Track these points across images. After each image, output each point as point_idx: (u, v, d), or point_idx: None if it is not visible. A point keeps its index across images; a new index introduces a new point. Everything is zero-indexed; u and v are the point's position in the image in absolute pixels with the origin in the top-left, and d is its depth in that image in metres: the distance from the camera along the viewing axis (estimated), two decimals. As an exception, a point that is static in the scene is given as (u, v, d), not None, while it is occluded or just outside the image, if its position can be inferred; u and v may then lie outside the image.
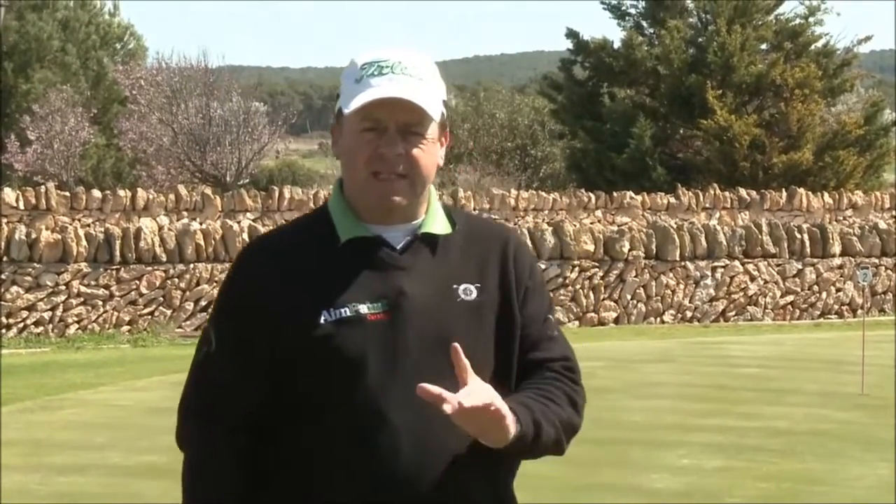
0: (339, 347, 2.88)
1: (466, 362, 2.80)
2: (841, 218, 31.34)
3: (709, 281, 25.11)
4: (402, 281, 2.93)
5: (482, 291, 2.99)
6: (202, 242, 23.15)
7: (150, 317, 22.70)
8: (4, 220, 26.28)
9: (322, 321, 2.89)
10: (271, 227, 22.08)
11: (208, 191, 31.60)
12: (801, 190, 32.51)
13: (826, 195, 32.83)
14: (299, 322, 2.89)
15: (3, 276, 22.07)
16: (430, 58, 3.02)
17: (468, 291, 2.98)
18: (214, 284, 22.83)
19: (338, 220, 2.98)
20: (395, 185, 2.92)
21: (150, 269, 22.72)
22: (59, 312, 22.38)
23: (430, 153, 2.97)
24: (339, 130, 2.99)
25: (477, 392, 2.78)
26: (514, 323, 3.01)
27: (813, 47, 41.86)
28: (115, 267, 22.60)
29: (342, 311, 2.89)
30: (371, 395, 2.87)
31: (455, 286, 2.98)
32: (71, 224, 26.13)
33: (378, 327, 2.89)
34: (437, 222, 3.01)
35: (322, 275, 2.93)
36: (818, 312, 25.79)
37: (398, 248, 2.96)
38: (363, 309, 2.90)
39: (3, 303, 22.07)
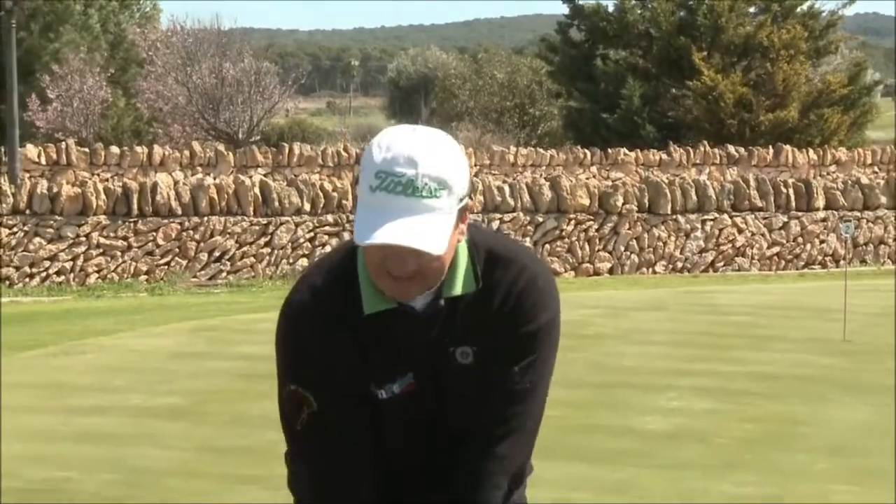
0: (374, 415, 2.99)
1: None
2: (825, 173, 31.44)
3: (699, 233, 24.97)
4: (423, 348, 2.92)
5: (480, 353, 2.92)
6: (216, 196, 23.12)
7: (166, 267, 22.71)
8: (27, 175, 27.27)
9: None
10: (282, 182, 22.40)
11: (221, 147, 31.73)
12: (787, 147, 32.87)
13: (811, 152, 33.14)
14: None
15: (26, 228, 22.25)
16: (452, 150, 2.80)
17: (465, 355, 2.92)
18: (227, 236, 22.98)
19: (364, 290, 2.89)
20: (410, 288, 2.83)
21: (165, 221, 22.75)
22: (79, 262, 22.45)
23: (446, 256, 2.80)
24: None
25: None
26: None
27: (799, 9, 41.96)
28: (132, 220, 22.66)
29: (380, 392, 2.94)
30: (391, 450, 3.01)
31: (452, 349, 2.92)
32: (90, 179, 26.31)
33: (407, 396, 2.95)
34: (457, 282, 2.89)
35: (356, 350, 2.91)
36: (803, 263, 25.59)
37: (420, 312, 2.90)
38: (396, 388, 2.93)
39: (26, 253, 22.23)
